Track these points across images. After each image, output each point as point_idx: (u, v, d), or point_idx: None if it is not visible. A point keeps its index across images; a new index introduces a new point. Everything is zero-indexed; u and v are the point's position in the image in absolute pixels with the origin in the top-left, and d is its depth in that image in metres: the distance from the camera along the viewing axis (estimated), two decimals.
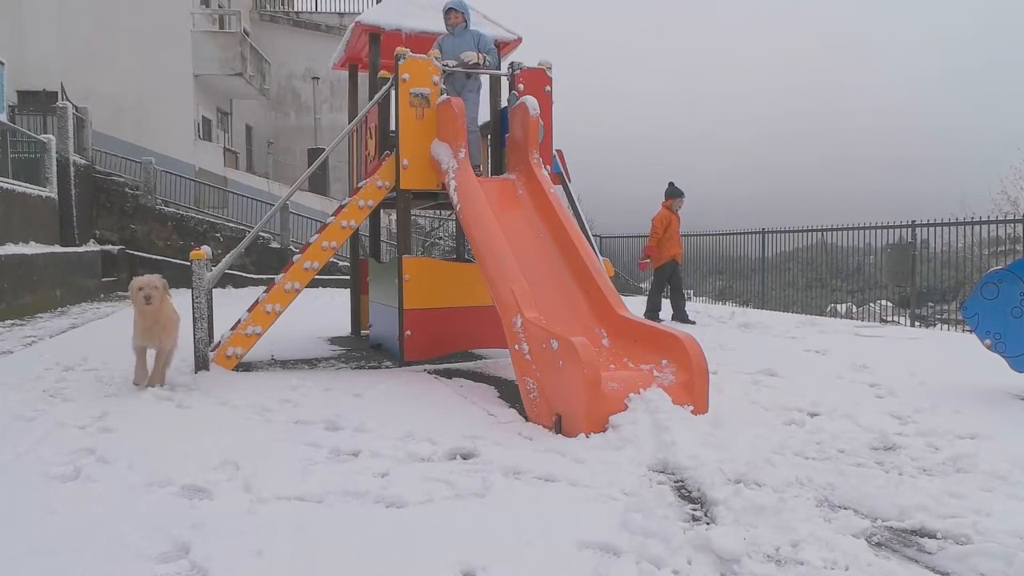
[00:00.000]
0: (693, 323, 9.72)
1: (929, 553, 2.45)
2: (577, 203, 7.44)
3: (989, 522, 2.63)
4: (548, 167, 6.40)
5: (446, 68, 6.39)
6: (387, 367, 6.17)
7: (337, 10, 25.79)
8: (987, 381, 5.19)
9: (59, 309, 10.98)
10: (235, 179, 20.20)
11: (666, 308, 10.12)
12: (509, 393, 4.97)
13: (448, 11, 6.50)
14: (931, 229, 11.04)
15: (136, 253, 15.84)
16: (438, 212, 16.95)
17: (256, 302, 6.04)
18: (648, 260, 10.06)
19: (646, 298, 10.55)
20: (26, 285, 10.11)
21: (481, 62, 6.51)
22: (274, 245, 16.79)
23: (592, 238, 6.57)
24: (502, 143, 6.87)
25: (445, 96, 6.24)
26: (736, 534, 2.53)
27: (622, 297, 5.24)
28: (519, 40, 7.37)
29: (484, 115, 7.17)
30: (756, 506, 2.75)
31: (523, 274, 4.87)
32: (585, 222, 7.00)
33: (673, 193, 10.09)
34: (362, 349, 7.27)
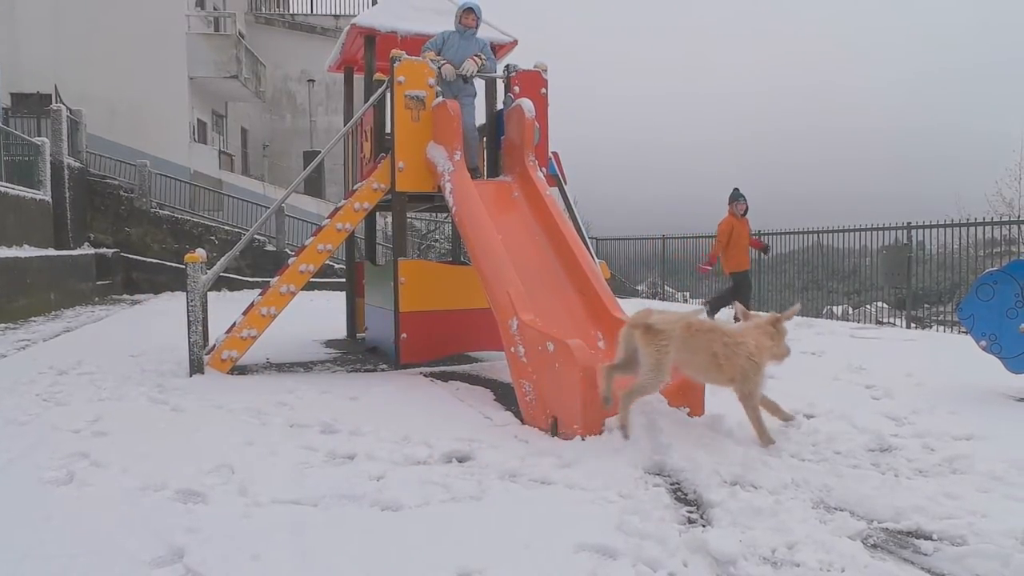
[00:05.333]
0: None
1: (925, 554, 2.46)
2: (573, 205, 7.43)
3: (985, 523, 2.63)
4: (544, 169, 6.40)
5: (443, 74, 6.37)
6: (383, 370, 6.16)
7: (333, 12, 25.73)
8: (983, 382, 5.20)
9: (53, 313, 10.93)
10: (230, 182, 20.15)
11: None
12: (505, 396, 4.96)
13: (467, 11, 6.46)
14: (927, 231, 11.06)
15: (131, 256, 15.81)
16: (434, 214, 16.93)
17: (251, 305, 6.03)
18: (710, 267, 9.70)
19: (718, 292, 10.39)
20: (20, 288, 10.07)
21: (479, 65, 6.49)
22: (269, 248, 16.75)
23: (588, 240, 6.57)
24: (498, 145, 6.87)
25: (441, 99, 6.23)
26: (732, 536, 2.53)
27: (618, 299, 5.24)
28: (515, 42, 7.37)
29: (480, 118, 7.17)
30: (752, 508, 2.75)
31: (519, 276, 4.86)
32: (581, 224, 7.00)
33: (732, 197, 9.29)
34: (358, 352, 7.25)
